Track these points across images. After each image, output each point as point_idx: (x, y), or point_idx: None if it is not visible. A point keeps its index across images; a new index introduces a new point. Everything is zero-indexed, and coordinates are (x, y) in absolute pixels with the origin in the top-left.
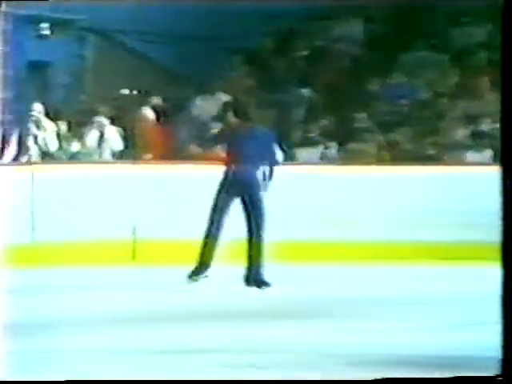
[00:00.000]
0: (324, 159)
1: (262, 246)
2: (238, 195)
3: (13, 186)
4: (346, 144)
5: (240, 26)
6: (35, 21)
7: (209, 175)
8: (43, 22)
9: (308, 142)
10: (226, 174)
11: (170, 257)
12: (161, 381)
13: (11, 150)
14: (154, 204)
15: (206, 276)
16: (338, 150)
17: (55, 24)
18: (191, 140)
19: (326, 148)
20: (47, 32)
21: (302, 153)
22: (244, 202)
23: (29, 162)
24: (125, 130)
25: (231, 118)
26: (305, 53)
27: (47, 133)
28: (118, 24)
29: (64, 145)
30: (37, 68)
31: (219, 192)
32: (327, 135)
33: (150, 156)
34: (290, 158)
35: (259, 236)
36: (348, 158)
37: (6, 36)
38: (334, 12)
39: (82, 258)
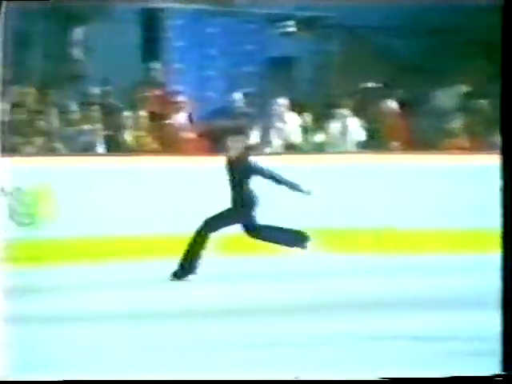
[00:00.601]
0: None
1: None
2: None
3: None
4: None
5: (478, 17)
6: (280, 19)
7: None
8: (289, 20)
9: None
10: None
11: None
12: (161, 381)
13: (254, 141)
14: (405, 193)
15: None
16: None
17: (301, 22)
18: (432, 131)
19: None
20: (293, 29)
21: None
22: None
23: (272, 153)
24: (367, 121)
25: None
26: None
27: (291, 125)
28: (362, 20)
29: (308, 136)
30: (281, 64)
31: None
32: None
33: (393, 146)
34: None
35: None
36: None
37: (253, 35)
38: None
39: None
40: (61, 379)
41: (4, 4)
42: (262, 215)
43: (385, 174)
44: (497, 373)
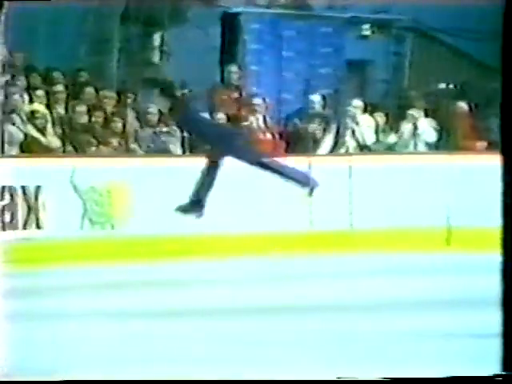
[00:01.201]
0: None
1: None
2: None
3: (331, 175)
4: None
5: None
6: (356, 22)
7: None
8: (364, 23)
9: None
10: None
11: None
12: (161, 381)
13: (328, 142)
14: (466, 193)
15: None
16: None
17: (375, 24)
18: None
19: None
20: (368, 33)
21: None
22: None
23: (347, 154)
24: (439, 122)
25: None
26: None
27: (364, 126)
28: (435, 22)
29: (381, 137)
30: (356, 66)
31: None
32: None
33: (463, 147)
34: None
35: None
36: None
37: (329, 38)
38: None
39: (393, 244)
40: (61, 379)
41: (5, 4)
42: None
43: (454, 174)
44: (497, 373)
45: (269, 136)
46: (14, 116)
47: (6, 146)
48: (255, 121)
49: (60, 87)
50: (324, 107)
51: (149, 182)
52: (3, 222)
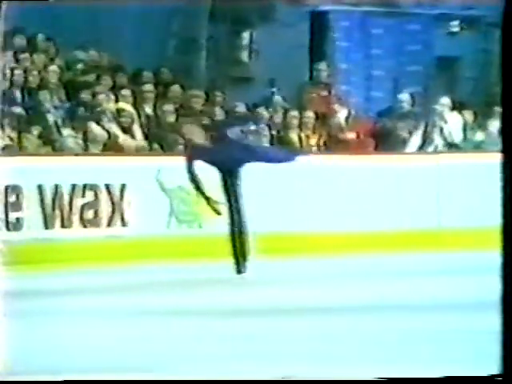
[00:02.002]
0: None
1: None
2: None
3: (419, 174)
4: None
5: None
6: (444, 19)
7: None
8: (452, 19)
9: None
10: None
11: None
12: (161, 381)
13: (416, 140)
14: None
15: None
16: None
17: (464, 21)
18: None
19: None
20: (457, 29)
21: None
22: None
23: (435, 152)
24: None
25: None
26: None
27: (452, 124)
28: None
29: (469, 135)
30: (445, 63)
31: None
32: None
33: None
34: None
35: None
36: None
37: (418, 35)
38: None
39: (482, 243)
40: (61, 379)
41: (4, 4)
42: None
43: None
44: (497, 373)
45: (357, 134)
46: (99, 114)
47: (89, 144)
48: (344, 119)
49: (148, 86)
50: (413, 105)
51: None
52: (84, 220)
